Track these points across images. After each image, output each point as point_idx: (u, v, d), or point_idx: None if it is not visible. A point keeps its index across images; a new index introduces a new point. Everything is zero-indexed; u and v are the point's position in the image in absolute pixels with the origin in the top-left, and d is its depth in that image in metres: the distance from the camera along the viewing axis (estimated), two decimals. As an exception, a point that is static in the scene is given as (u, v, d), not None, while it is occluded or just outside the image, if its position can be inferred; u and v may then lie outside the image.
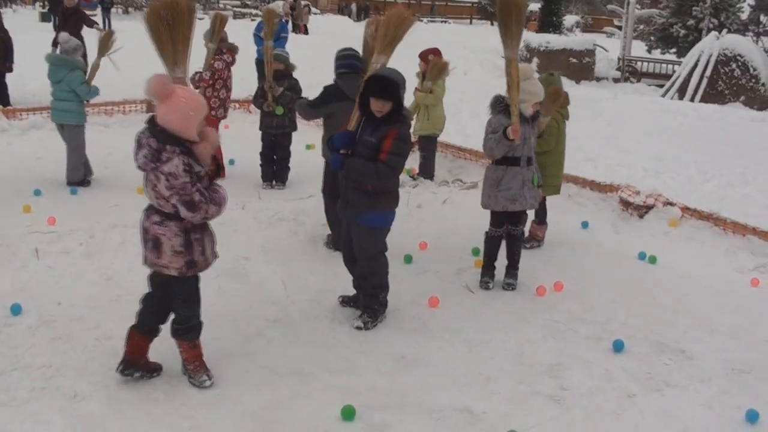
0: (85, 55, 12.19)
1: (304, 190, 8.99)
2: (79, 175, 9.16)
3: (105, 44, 9.24)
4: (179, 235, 4.67)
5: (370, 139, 5.55)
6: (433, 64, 9.81)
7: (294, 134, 9.70)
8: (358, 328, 5.86)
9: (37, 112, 12.60)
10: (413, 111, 9.97)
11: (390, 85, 5.47)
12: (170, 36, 4.98)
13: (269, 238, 7.66)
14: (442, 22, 48.61)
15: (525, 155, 6.60)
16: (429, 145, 10.34)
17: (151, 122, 4.53)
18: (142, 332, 4.94)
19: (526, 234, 7.60)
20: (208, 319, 5.80)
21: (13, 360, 5.15)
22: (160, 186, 4.52)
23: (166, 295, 4.89)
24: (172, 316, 4.97)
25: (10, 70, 13.74)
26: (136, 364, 4.95)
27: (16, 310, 5.80)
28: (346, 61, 7.15)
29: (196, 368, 5.01)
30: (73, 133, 9.20)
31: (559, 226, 8.54)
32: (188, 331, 4.96)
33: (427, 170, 10.32)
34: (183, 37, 5.03)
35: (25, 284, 6.33)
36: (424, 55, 10.11)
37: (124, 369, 4.92)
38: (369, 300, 5.98)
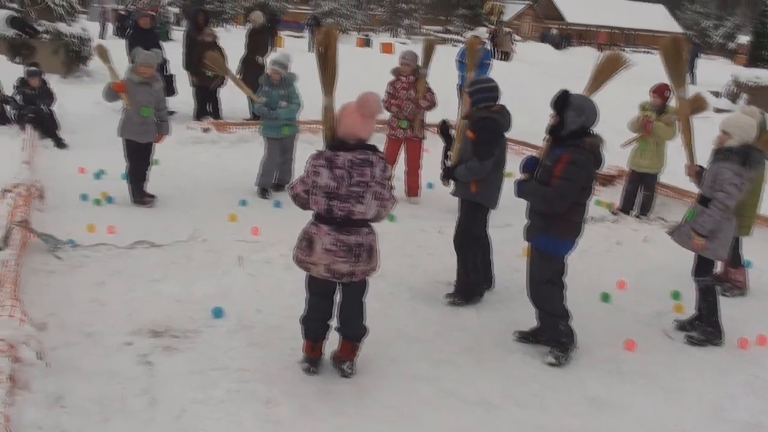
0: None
1: (501, 218, 8.91)
2: (262, 181, 9.83)
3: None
4: (376, 234, 5.17)
5: (547, 163, 5.62)
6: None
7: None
8: (551, 364, 5.73)
9: (246, 126, 13.22)
10: (634, 142, 9.82)
11: (561, 98, 5.57)
12: (335, 64, 5.34)
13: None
14: (644, 52, 47.31)
15: (700, 192, 6.37)
16: (653, 183, 10.02)
17: (353, 142, 4.91)
18: (315, 341, 5.34)
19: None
20: (401, 340, 5.92)
21: (212, 361, 5.38)
22: (385, 191, 4.96)
23: (332, 302, 5.25)
24: None
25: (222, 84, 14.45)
26: (318, 362, 5.37)
27: (218, 313, 6.08)
28: (494, 93, 6.69)
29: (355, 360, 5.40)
30: None
31: (766, 275, 8.05)
32: (366, 331, 5.36)
33: (646, 208, 10.02)
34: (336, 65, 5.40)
35: (227, 289, 6.61)
36: (660, 90, 9.67)
37: (310, 367, 5.32)
38: (552, 332, 5.86)
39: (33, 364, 4.82)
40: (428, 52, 9.97)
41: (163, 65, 13.69)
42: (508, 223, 8.52)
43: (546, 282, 5.79)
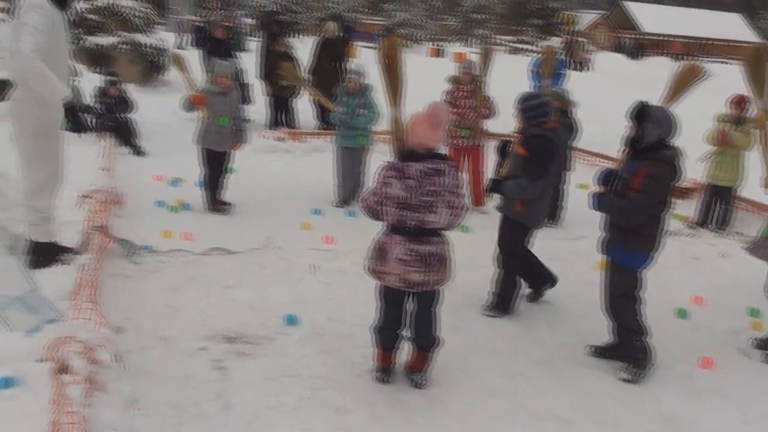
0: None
1: (576, 230, 8.81)
2: (339, 192, 9.91)
3: None
4: (449, 244, 5.11)
5: (624, 176, 5.54)
6: None
7: (569, 174, 9.52)
8: (625, 380, 5.62)
9: (319, 135, 13.33)
10: (711, 156, 9.66)
11: (639, 110, 5.48)
12: (400, 74, 5.32)
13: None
14: (721, 63, 46.29)
15: None
16: (730, 196, 9.83)
17: (422, 152, 4.91)
18: (387, 350, 5.35)
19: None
20: (472, 352, 5.89)
21: (285, 367, 5.42)
22: (457, 199, 4.91)
23: (404, 312, 5.22)
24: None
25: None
26: (389, 371, 5.36)
27: (291, 320, 6.13)
28: (545, 109, 6.54)
29: (428, 371, 5.37)
30: None
31: None
32: (438, 342, 5.33)
33: (725, 222, 9.83)
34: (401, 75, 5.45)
35: (300, 297, 6.66)
36: (738, 101, 9.43)
37: (382, 376, 5.33)
38: (627, 348, 5.75)
39: (109, 366, 4.90)
40: (486, 60, 9.94)
41: (238, 74, 13.90)
42: (582, 235, 8.43)
43: (621, 296, 5.70)
